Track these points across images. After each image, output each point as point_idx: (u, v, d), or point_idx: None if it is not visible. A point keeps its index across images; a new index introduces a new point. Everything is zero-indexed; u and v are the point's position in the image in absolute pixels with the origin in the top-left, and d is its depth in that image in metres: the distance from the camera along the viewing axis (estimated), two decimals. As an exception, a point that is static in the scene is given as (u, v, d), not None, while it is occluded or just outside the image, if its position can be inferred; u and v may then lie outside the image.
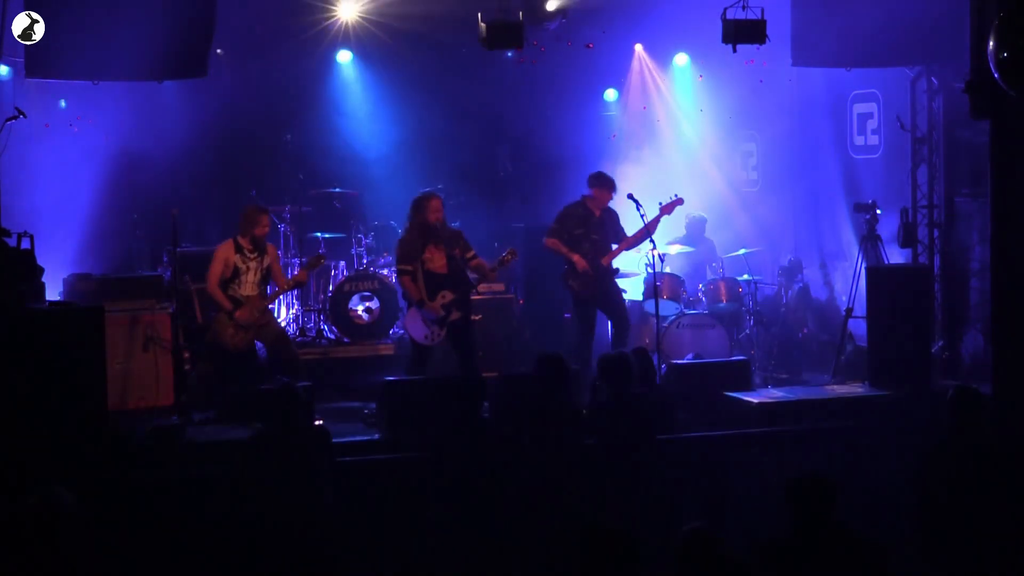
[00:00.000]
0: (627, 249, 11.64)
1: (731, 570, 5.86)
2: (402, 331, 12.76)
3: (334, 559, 8.07)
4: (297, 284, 11.30)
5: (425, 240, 10.70)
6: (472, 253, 10.85)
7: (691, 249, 13.54)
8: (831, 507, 6.22)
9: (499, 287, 12.61)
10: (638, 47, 15.00)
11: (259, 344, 10.91)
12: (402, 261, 10.78)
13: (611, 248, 11.48)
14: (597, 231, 11.44)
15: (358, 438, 9.83)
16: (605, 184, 11.48)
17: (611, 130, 15.34)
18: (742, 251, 13.50)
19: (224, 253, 10.69)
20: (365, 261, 13.22)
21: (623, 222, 11.66)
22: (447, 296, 10.66)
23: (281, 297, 13.23)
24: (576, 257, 11.30)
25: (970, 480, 7.47)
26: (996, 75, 7.81)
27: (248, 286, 10.67)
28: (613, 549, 5.63)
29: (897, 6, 11.68)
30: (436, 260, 10.71)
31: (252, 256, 10.69)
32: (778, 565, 6.16)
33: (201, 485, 8.72)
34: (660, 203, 11.59)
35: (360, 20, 13.75)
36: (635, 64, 15.12)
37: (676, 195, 11.69)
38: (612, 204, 11.64)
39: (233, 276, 10.66)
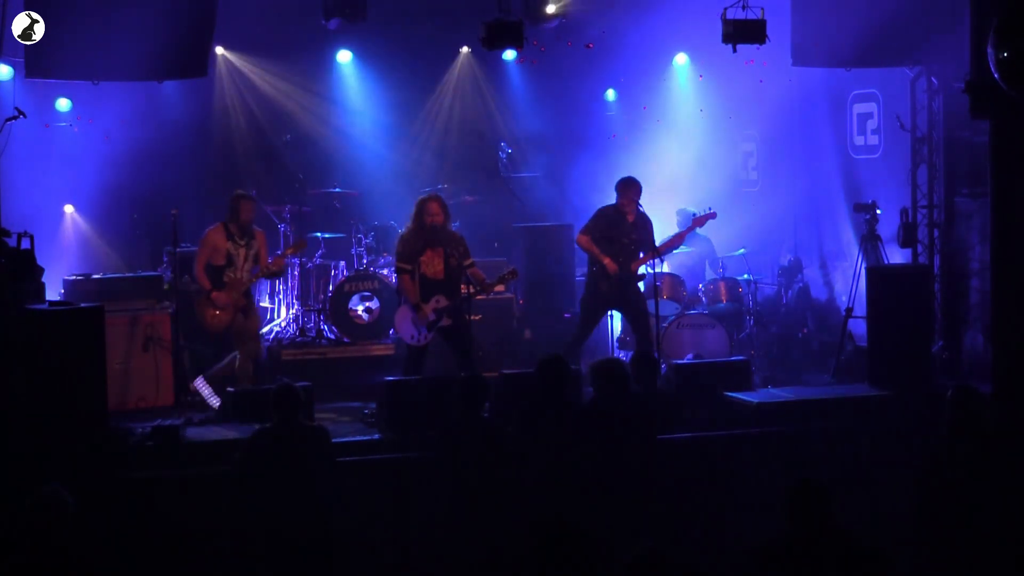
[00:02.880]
0: (654, 259, 11.55)
1: None
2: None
3: (334, 559, 8.07)
4: (276, 270, 11.35)
5: (423, 243, 10.69)
6: (470, 261, 10.83)
7: (690, 249, 13.53)
8: (828, 511, 6.19)
9: (499, 287, 12.62)
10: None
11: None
12: (401, 259, 10.80)
13: (640, 255, 11.44)
14: (629, 235, 11.43)
15: (358, 438, 9.83)
16: (627, 188, 11.42)
17: (611, 130, 15.34)
18: (741, 251, 13.51)
19: (213, 239, 10.97)
20: (365, 261, 13.21)
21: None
22: (441, 301, 10.65)
23: (281, 297, 13.29)
24: (607, 260, 11.30)
25: (970, 480, 7.47)
26: (996, 75, 7.81)
27: (240, 271, 10.96)
28: (569, 547, 5.39)
29: (897, 6, 11.68)
30: (433, 264, 10.69)
31: (242, 243, 10.97)
32: (775, 568, 6.13)
33: (201, 485, 8.72)
34: (694, 214, 11.81)
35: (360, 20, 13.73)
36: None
37: (710, 208, 11.88)
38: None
39: (228, 263, 10.93)
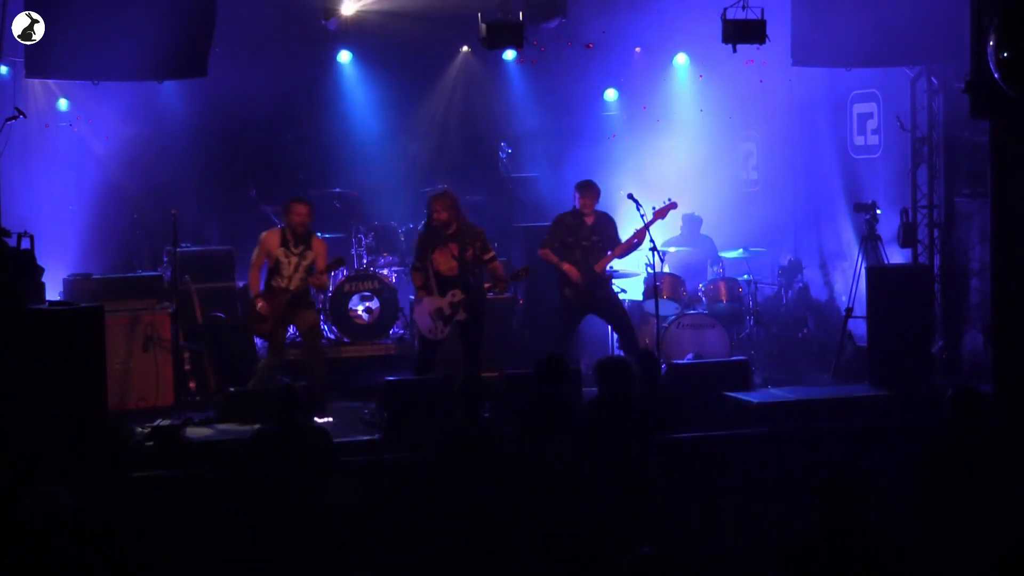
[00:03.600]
0: (621, 255, 11.52)
1: None
2: (403, 331, 12.78)
3: (334, 559, 8.07)
4: (318, 286, 11.11)
5: (432, 242, 10.72)
6: (491, 255, 10.81)
7: (689, 249, 13.54)
8: (858, 510, 6.19)
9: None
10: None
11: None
12: (415, 256, 10.92)
13: (606, 254, 11.41)
14: (589, 237, 11.39)
15: (358, 438, 9.83)
16: (585, 190, 11.40)
17: (611, 130, 15.34)
18: (740, 251, 13.49)
19: (267, 242, 10.78)
20: (365, 261, 13.21)
21: (624, 222, 11.65)
22: (457, 295, 10.65)
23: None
24: (567, 266, 11.25)
25: (969, 480, 7.47)
26: (996, 75, 7.81)
27: (286, 279, 10.69)
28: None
29: (897, 6, 11.68)
30: (443, 262, 10.70)
31: (296, 251, 10.71)
32: (804, 565, 6.13)
33: (201, 485, 8.72)
34: (653, 207, 11.53)
35: (360, 19, 13.72)
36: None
37: (670, 199, 11.61)
38: (612, 206, 11.64)
39: (276, 270, 10.72)
